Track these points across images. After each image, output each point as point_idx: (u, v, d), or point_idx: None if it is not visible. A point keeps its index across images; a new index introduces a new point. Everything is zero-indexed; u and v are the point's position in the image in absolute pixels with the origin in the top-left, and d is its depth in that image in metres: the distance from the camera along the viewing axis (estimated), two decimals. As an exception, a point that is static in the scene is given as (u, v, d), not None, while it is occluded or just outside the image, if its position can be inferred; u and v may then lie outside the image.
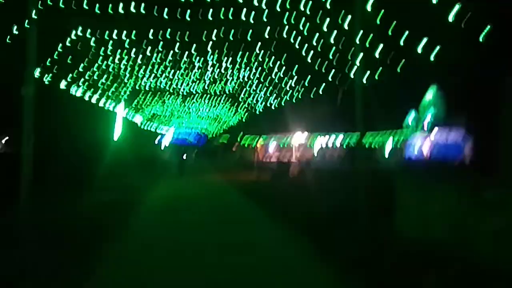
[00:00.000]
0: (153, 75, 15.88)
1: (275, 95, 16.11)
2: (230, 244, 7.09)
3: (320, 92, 12.56)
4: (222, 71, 15.35)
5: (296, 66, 12.01)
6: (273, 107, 17.57)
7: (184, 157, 26.13)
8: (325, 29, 8.73)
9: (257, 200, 12.22)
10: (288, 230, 8.10)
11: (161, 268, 5.71)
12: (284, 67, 12.50)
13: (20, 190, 7.61)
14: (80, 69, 11.20)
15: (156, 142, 38.73)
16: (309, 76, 12.53)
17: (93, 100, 13.78)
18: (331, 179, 18.30)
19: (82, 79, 11.81)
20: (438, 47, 7.70)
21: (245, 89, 17.40)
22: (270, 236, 7.96)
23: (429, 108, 42.54)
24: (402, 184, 8.24)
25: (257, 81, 15.53)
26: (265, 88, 15.62)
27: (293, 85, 13.60)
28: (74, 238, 7.07)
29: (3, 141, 23.60)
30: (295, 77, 13.13)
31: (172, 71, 15.41)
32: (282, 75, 13.30)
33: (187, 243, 7.26)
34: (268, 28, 9.76)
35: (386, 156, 43.15)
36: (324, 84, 12.25)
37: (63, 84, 10.85)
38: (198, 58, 13.70)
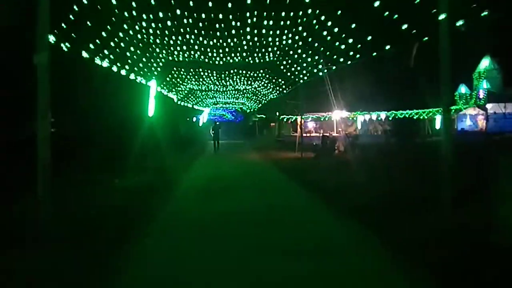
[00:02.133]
0: (187, 46, 14.45)
1: (321, 62, 14.15)
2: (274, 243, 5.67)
3: (384, 52, 10.48)
4: (262, 37, 13.62)
5: (354, 24, 10.00)
6: (320, 74, 15.57)
7: (220, 134, 25.03)
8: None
9: (303, 183, 10.68)
10: (347, 227, 6.50)
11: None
12: (337, 27, 10.52)
13: (37, 177, 6.49)
14: (104, 35, 9.85)
15: (193, 119, 37.82)
16: (370, 36, 10.50)
17: (123, 73, 12.54)
18: (384, 156, 16.50)
19: (108, 48, 10.48)
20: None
21: (287, 57, 15.61)
22: (326, 235, 6.43)
23: (484, 78, 38.85)
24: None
25: (302, 47, 13.67)
26: (310, 55, 13.71)
27: (347, 46, 11.49)
28: (98, 234, 5.94)
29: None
30: (350, 40, 11.11)
31: (207, 40, 13.89)
32: (332, 37, 11.30)
33: (232, 245, 5.90)
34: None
35: (437, 128, 40.21)
36: (388, 45, 10.22)
37: (85, 53, 9.52)
38: (235, 23, 12.04)
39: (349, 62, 12.19)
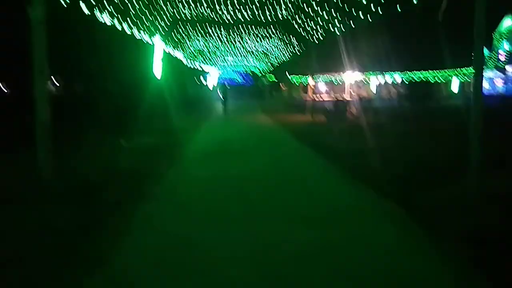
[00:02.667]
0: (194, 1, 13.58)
1: (339, 19, 13.17)
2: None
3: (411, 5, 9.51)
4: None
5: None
6: (337, 33, 14.56)
7: (230, 97, 24.43)
8: None
9: (315, 148, 10.20)
10: (365, 198, 6.07)
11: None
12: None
13: (36, 140, 6.17)
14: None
15: (201, 81, 37.08)
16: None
17: (127, 30, 11.88)
18: (399, 121, 15.89)
19: (109, 2, 9.78)
20: None
21: (301, 13, 14.60)
22: (342, 208, 6.06)
23: (504, 38, 36.93)
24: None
25: (318, 2, 12.65)
26: (327, 11, 12.68)
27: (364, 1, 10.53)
28: (101, 194, 5.68)
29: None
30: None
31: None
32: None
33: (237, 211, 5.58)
34: None
35: (454, 91, 38.93)
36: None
37: (85, 7, 8.87)
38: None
39: (370, 20, 11.25)
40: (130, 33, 12.30)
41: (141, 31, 13.05)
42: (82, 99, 16.71)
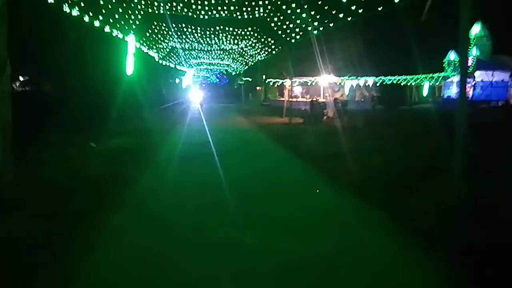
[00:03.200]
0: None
1: (317, 18, 12.96)
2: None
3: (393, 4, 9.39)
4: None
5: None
6: (315, 32, 14.33)
7: (204, 97, 23.95)
8: None
9: (293, 151, 9.97)
10: (346, 203, 5.90)
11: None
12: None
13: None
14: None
15: (175, 80, 36.33)
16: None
17: (97, 24, 11.24)
18: (374, 123, 15.97)
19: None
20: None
21: (278, 13, 14.35)
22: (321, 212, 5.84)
23: (473, 45, 38.20)
24: None
25: (296, 0, 12.41)
26: (306, 10, 12.44)
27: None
28: (66, 202, 5.20)
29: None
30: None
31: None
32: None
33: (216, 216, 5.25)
34: None
35: (424, 95, 39.88)
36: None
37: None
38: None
39: (349, 19, 11.06)
40: (100, 27, 11.66)
41: (112, 26, 12.42)
42: (49, 97, 15.88)
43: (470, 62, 38.84)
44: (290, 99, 20.86)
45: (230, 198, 5.86)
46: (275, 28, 15.82)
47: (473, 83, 37.89)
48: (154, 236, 4.37)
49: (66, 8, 8.76)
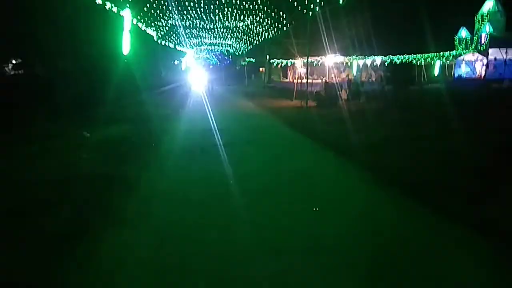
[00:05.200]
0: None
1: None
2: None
3: None
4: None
5: None
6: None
7: (208, 79, 22.42)
8: None
9: (320, 141, 8.58)
10: (406, 212, 4.60)
11: None
12: None
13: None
14: None
15: (175, 62, 34.63)
16: None
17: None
18: (396, 107, 14.59)
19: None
20: None
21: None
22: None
23: (486, 21, 36.39)
24: None
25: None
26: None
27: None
28: (41, 221, 3.90)
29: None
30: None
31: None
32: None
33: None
34: None
35: (436, 74, 38.27)
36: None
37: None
38: None
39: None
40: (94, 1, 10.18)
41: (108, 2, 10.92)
42: (41, 81, 14.49)
43: (483, 39, 37.24)
44: (300, 80, 19.40)
45: (250, 206, 4.55)
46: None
47: (486, 61, 36.38)
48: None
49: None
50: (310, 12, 14.60)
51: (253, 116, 13.84)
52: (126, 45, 11.65)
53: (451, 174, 5.51)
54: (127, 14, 11.65)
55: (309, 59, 32.41)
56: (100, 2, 10.53)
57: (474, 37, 37.88)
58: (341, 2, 10.59)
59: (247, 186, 5.39)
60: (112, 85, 12.09)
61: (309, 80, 18.82)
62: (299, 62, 20.42)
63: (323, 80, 18.64)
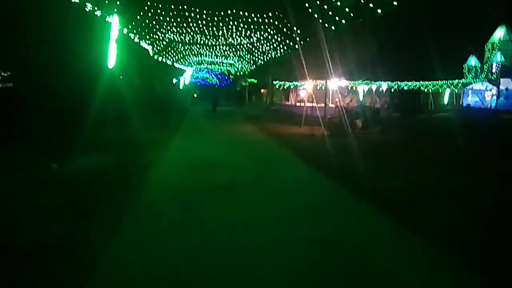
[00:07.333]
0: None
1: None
2: None
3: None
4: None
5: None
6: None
7: (205, 100, 20.66)
8: None
9: (348, 183, 6.75)
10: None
11: None
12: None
13: None
14: None
15: (173, 80, 32.97)
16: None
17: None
18: (419, 138, 12.89)
19: None
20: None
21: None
22: None
23: (497, 50, 35.25)
24: None
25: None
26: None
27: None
28: None
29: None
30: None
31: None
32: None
33: None
34: None
35: (445, 102, 36.96)
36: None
37: None
38: None
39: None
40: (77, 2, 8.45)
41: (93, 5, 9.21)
42: (12, 98, 12.69)
43: (494, 68, 36.01)
44: (305, 104, 17.74)
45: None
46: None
47: (498, 91, 35.01)
48: None
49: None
50: (333, 27, 13.04)
51: (259, 145, 11.97)
52: (111, 57, 9.85)
53: None
54: (115, 20, 9.89)
55: (315, 82, 30.92)
56: (90, 9, 8.81)
57: (484, 66, 36.73)
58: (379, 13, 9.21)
59: (260, 274, 3.44)
60: (94, 104, 10.26)
61: (313, 104, 17.33)
62: (309, 84, 18.76)
63: (336, 104, 16.96)
